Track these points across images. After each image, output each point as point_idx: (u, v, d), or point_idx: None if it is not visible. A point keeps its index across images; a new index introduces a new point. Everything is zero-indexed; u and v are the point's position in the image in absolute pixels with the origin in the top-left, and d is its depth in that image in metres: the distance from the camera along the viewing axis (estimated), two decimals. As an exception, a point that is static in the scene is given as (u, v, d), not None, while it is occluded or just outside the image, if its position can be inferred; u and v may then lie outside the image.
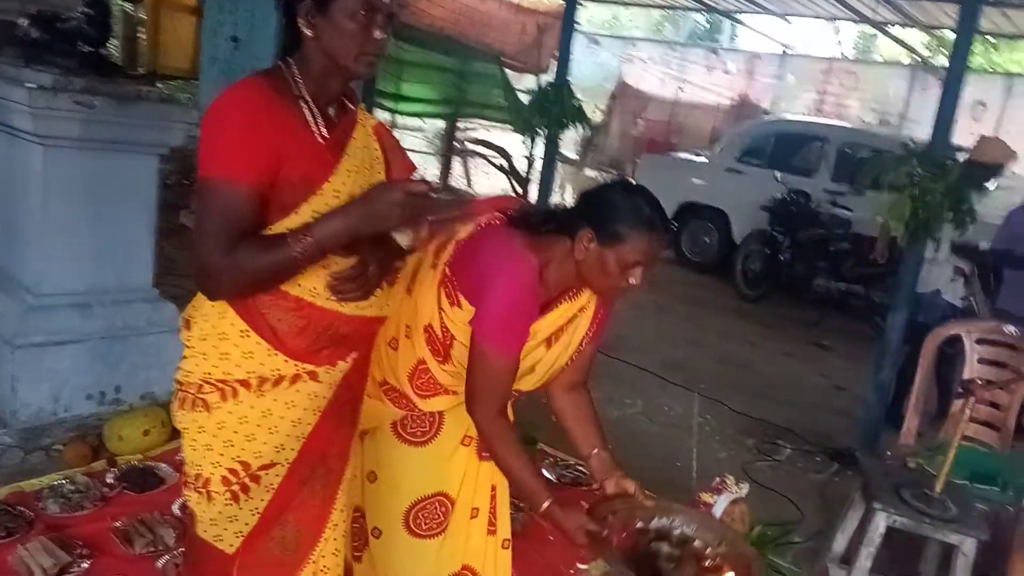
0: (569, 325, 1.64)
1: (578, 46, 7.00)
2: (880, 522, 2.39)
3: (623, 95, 10.56)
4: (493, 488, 1.75)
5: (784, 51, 10.07)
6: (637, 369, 4.58)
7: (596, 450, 1.68)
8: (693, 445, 2.68)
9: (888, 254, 4.16)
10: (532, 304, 1.53)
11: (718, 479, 2.37)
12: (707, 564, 1.60)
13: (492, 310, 1.50)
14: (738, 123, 8.64)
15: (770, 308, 6.82)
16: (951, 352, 3.24)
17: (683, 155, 8.69)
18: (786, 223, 6.77)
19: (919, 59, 9.04)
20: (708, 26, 16.65)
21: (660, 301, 6.30)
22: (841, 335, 6.21)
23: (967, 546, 2.36)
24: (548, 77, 6.35)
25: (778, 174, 6.98)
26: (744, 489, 2.34)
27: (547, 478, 2.95)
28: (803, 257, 6.71)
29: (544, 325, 1.60)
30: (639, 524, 1.62)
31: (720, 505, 2.28)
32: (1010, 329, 2.97)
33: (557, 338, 1.63)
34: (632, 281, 1.50)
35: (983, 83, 8.45)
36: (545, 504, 1.52)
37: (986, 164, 4.03)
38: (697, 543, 1.63)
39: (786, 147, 7.55)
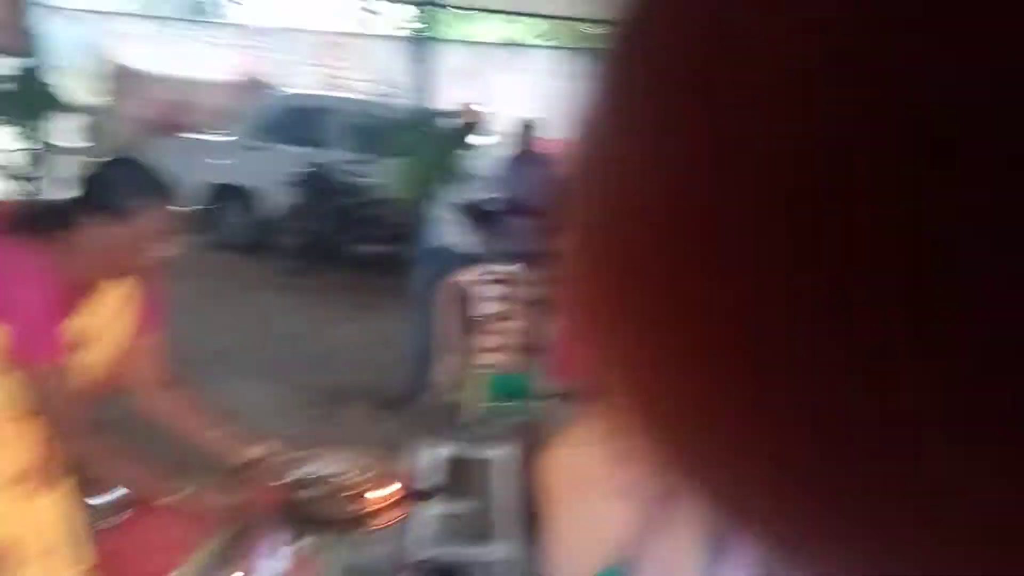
0: (112, 319, 1.55)
1: (58, 24, 6.27)
2: (431, 456, 2.67)
3: (121, 76, 9.76)
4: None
5: (284, 25, 10.19)
6: (179, 365, 4.37)
7: (217, 432, 1.66)
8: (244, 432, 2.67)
9: (403, 214, 4.53)
10: (56, 308, 1.42)
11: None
12: (355, 493, 1.68)
13: (16, 326, 1.36)
14: (252, 100, 8.55)
15: (314, 279, 6.98)
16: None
17: (199, 136, 8.37)
18: (315, 196, 6.95)
19: (410, 32, 9.81)
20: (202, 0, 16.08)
21: (198, 289, 6.06)
22: (385, 294, 6.59)
23: (503, 456, 2.75)
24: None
25: (299, 148, 7.12)
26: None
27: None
28: (336, 226, 6.97)
29: (82, 324, 1.49)
30: (285, 480, 1.64)
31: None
32: (507, 268, 3.47)
33: (102, 335, 1.53)
34: (161, 254, 1.47)
35: (467, 52, 9.48)
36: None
37: (472, 126, 4.62)
38: (344, 478, 1.70)
39: (301, 122, 7.70)
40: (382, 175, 5.15)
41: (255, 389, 4.15)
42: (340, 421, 3.97)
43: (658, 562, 2.30)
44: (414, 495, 1.76)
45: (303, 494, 1.69)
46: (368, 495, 1.71)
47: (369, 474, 1.75)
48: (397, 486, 1.73)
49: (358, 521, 1.69)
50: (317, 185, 6.97)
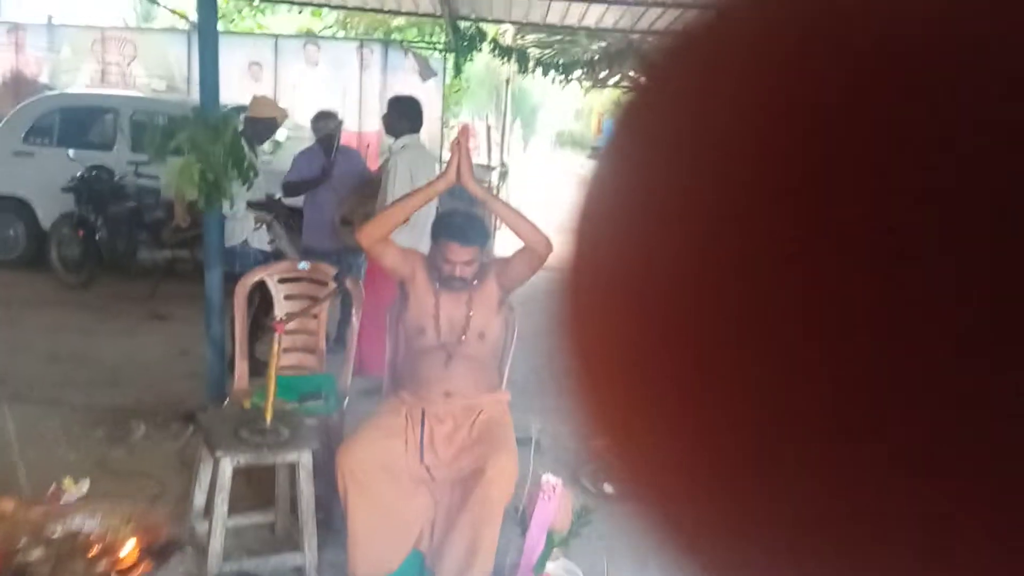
0: None
1: None
2: (226, 466, 2.56)
3: None
4: None
5: (50, 21, 9.36)
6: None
7: None
8: (16, 458, 2.46)
9: (191, 216, 4.30)
10: None
11: (53, 485, 2.24)
12: (97, 550, 1.55)
13: None
14: (16, 101, 7.80)
15: (99, 291, 6.49)
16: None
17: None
18: (94, 201, 6.45)
19: (193, 24, 9.32)
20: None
21: (-34, 312, 5.49)
22: (178, 301, 6.25)
23: (304, 459, 2.67)
24: None
25: (72, 151, 6.56)
26: (84, 486, 2.25)
27: None
28: (120, 232, 6.51)
29: None
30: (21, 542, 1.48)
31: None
32: (302, 265, 3.38)
33: None
34: None
35: (257, 45, 9.13)
36: None
37: (263, 120, 4.46)
38: (86, 535, 1.56)
39: (76, 122, 7.12)
40: (167, 176, 4.86)
41: (36, 415, 3.80)
42: (129, 442, 3.72)
43: (455, 551, 2.32)
44: (155, 552, 1.65)
45: (35, 556, 1.55)
46: (106, 555, 1.60)
47: (121, 527, 1.63)
48: (132, 544, 1.62)
49: None
50: (96, 190, 6.46)
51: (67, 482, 2.24)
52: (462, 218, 2.75)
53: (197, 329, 5.29)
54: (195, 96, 7.40)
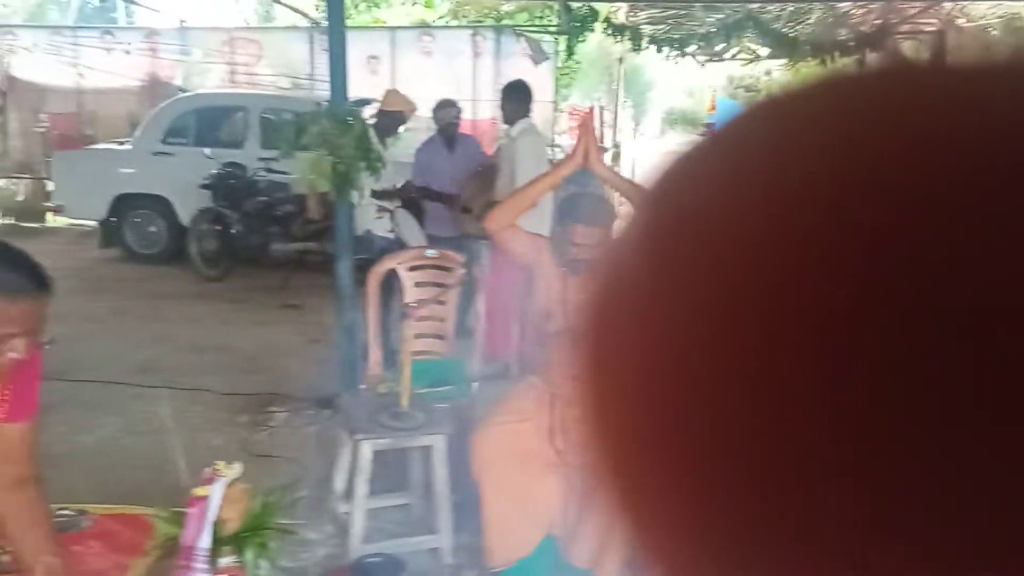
0: None
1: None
2: (364, 449, 2.63)
3: (13, 90, 9.32)
4: None
5: (182, 24, 9.85)
6: (104, 385, 4.23)
7: (42, 558, 1.53)
8: (176, 444, 2.59)
9: (323, 208, 4.44)
10: None
11: (208, 469, 2.34)
12: None
13: None
14: (154, 104, 8.25)
15: (235, 284, 6.82)
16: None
17: (103, 146, 8.06)
18: (229, 197, 6.76)
19: (314, 22, 9.63)
20: (99, 4, 15.46)
21: (116, 305, 5.88)
22: (308, 292, 6.49)
23: (439, 443, 2.72)
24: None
25: (208, 150, 6.90)
26: (236, 468, 2.35)
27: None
28: (254, 227, 6.80)
29: None
30: None
31: (216, 494, 2.26)
32: (430, 252, 3.42)
33: None
34: (13, 356, 1.36)
35: (374, 38, 9.33)
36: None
37: (393, 113, 4.57)
38: None
39: (210, 122, 7.49)
40: (297, 171, 5.03)
41: (184, 401, 4.03)
42: (268, 427, 3.88)
43: (589, 535, 2.30)
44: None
45: None
46: None
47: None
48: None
49: None
50: (230, 186, 6.78)
51: (221, 464, 2.34)
52: (588, 199, 2.72)
53: (327, 318, 5.48)
54: (319, 92, 7.66)
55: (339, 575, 2.51)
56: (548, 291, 2.76)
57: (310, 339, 5.40)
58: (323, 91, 4.54)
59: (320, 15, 10.53)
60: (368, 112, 4.36)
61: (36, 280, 1.35)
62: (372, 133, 4.05)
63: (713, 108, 11.28)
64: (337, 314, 4.20)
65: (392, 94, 4.76)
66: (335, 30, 3.93)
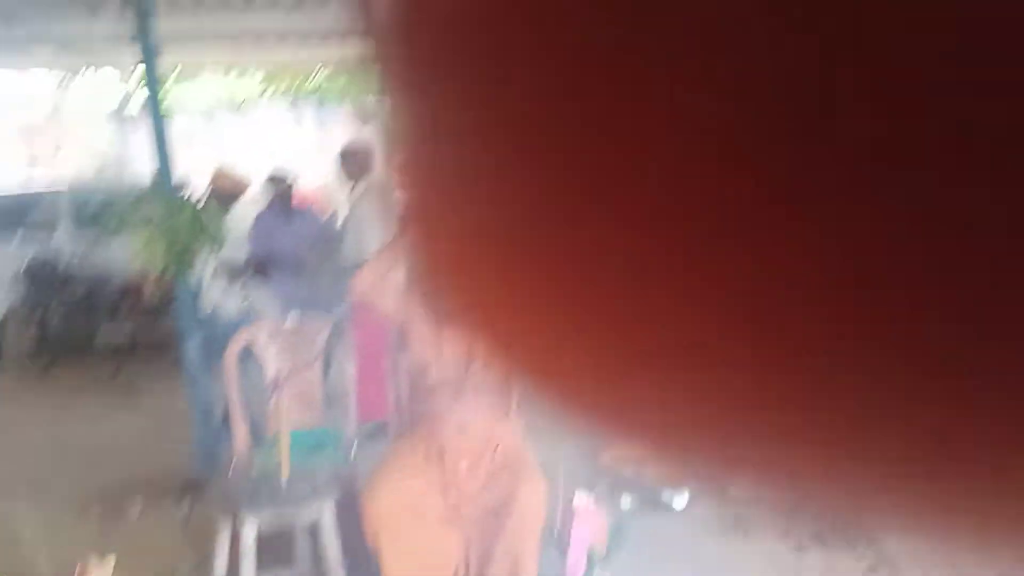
0: None
1: None
2: (249, 531, 2.46)
3: None
4: None
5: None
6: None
7: None
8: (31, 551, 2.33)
9: (160, 290, 4.22)
10: None
11: (78, 566, 2.12)
12: None
13: None
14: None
15: (63, 378, 6.26)
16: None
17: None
18: (47, 287, 6.28)
19: (122, 100, 9.21)
20: None
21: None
22: (145, 376, 6.08)
23: (326, 514, 2.59)
24: None
25: (18, 240, 6.40)
26: (110, 562, 2.14)
27: None
28: (76, 316, 6.33)
29: None
30: None
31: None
32: (286, 320, 3.30)
33: None
34: None
35: (185, 114, 9.02)
36: None
37: (225, 190, 4.41)
38: None
39: (14, 212, 6.92)
40: (121, 253, 4.75)
41: (22, 507, 3.61)
42: (127, 520, 3.56)
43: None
44: None
45: None
46: None
47: None
48: None
49: None
50: (44, 276, 6.27)
51: (93, 560, 2.11)
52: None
53: (170, 402, 5.16)
54: (131, 171, 7.29)
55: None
56: (423, 344, 2.72)
57: (156, 425, 5.02)
58: (135, 171, 4.34)
59: (137, 94, 10.14)
60: (197, 189, 4.20)
61: None
62: (206, 210, 3.90)
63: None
64: (190, 396, 3.94)
65: (221, 172, 4.61)
66: (154, 107, 3.77)
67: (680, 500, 3.55)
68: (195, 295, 3.91)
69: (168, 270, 3.67)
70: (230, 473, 3.00)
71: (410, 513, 2.55)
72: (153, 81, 3.80)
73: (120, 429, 5.00)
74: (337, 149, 4.78)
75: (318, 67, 9.37)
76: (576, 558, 2.55)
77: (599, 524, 2.61)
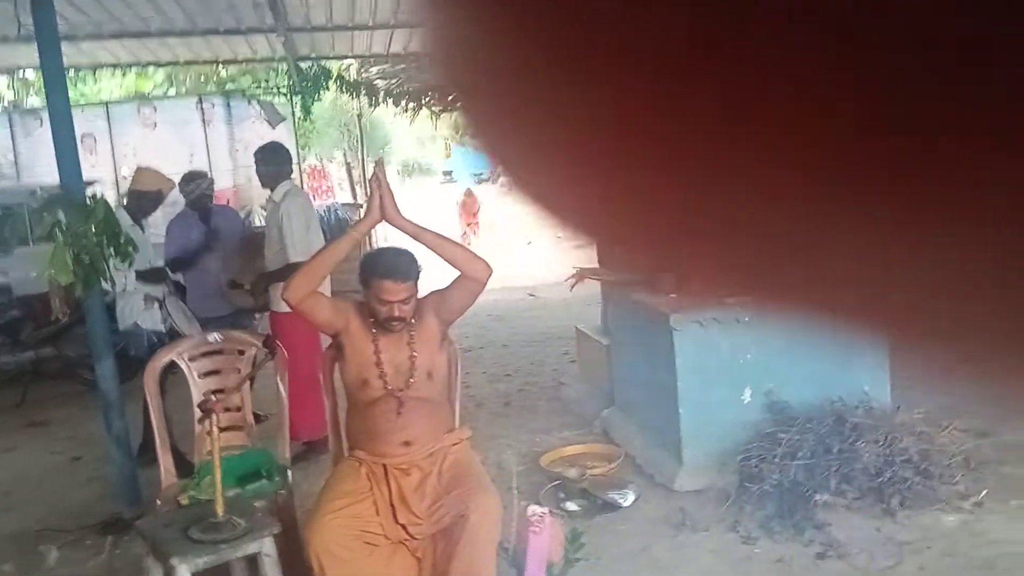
0: None
1: None
2: (184, 572, 2.27)
3: None
4: None
5: None
6: None
7: None
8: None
9: (68, 306, 3.93)
10: None
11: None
12: None
13: None
14: None
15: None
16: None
17: None
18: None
19: (10, 104, 8.63)
20: None
21: None
22: (53, 403, 5.69)
23: (267, 546, 2.42)
24: None
25: None
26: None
27: None
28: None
29: None
30: None
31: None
32: (213, 337, 3.09)
33: None
34: None
35: (86, 115, 8.51)
36: None
37: (148, 193, 4.15)
38: None
39: None
40: (23, 268, 4.40)
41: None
42: (44, 570, 3.29)
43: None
44: None
45: None
46: None
47: None
48: None
49: None
50: (-65, 298, 5.81)
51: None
52: (391, 254, 2.58)
53: (82, 430, 4.83)
54: (28, 179, 6.83)
55: None
56: (361, 356, 2.57)
57: (68, 457, 4.69)
58: (33, 178, 4.03)
59: (15, 96, 9.49)
60: (106, 193, 3.92)
61: None
62: (119, 216, 3.64)
63: (449, 155, 11.56)
64: (105, 423, 3.68)
65: (145, 172, 4.35)
66: (58, 109, 3.49)
67: (627, 499, 3.50)
68: (108, 311, 3.64)
69: (77, 284, 3.41)
70: (156, 508, 2.79)
71: (357, 538, 2.41)
72: (55, 78, 3.52)
73: (29, 463, 4.65)
74: (252, 150, 4.57)
75: (222, 64, 9.03)
76: (534, 571, 2.46)
77: (554, 536, 2.52)
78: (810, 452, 3.32)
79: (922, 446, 3.35)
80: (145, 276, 4.02)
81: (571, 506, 3.46)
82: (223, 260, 4.33)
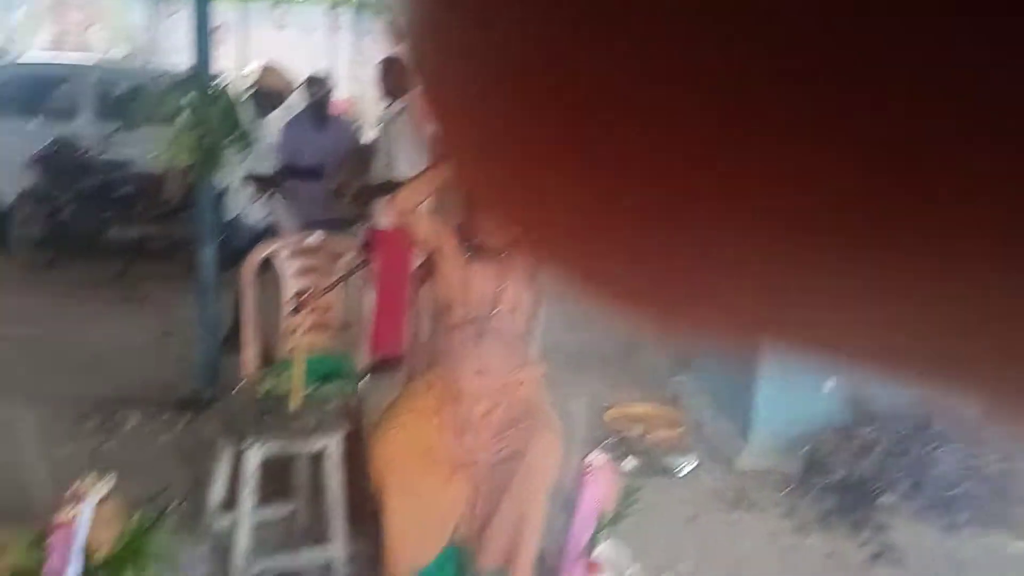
0: None
1: None
2: (252, 457, 2.38)
3: None
4: None
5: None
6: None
7: None
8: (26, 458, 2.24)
9: (181, 189, 4.07)
10: None
11: (75, 484, 2.03)
12: None
13: None
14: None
15: (65, 273, 6.15)
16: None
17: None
18: (59, 176, 6.10)
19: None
20: None
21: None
22: (152, 282, 5.97)
23: (333, 445, 2.50)
24: None
25: (34, 122, 6.20)
26: (109, 482, 2.05)
27: None
28: (88, 209, 6.18)
29: None
30: None
31: (85, 515, 1.96)
32: (311, 237, 3.17)
33: None
34: None
35: (222, 7, 8.73)
36: None
37: (271, 91, 4.23)
38: None
39: (36, 91, 6.71)
40: (144, 146, 4.57)
41: (17, 406, 3.54)
42: (120, 434, 3.48)
43: (499, 535, 2.17)
44: None
45: None
46: None
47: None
48: None
49: None
50: (60, 164, 6.11)
51: (89, 479, 2.03)
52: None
53: (177, 311, 5.06)
54: (162, 60, 7.05)
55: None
56: (450, 279, 2.60)
57: (159, 334, 4.94)
58: (166, 60, 4.14)
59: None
60: (232, 85, 4.01)
61: None
62: (242, 109, 3.73)
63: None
64: (198, 306, 3.84)
65: (271, 71, 4.41)
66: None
67: (685, 467, 3.48)
68: (218, 198, 3.77)
69: (193, 168, 3.52)
70: (235, 393, 2.92)
71: (419, 455, 2.46)
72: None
73: (122, 335, 4.90)
74: (375, 61, 4.59)
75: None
76: (584, 519, 2.47)
77: (609, 487, 2.52)
78: (885, 451, 3.22)
79: (1004, 465, 3.21)
80: (255, 173, 4.12)
81: (629, 463, 3.46)
82: (332, 167, 4.41)
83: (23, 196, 6.22)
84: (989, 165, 0.11)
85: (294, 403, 2.46)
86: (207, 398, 3.61)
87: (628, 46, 0.12)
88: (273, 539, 2.68)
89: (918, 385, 0.14)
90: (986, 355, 0.13)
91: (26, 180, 6.18)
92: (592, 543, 2.49)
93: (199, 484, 2.82)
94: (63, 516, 1.93)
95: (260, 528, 2.67)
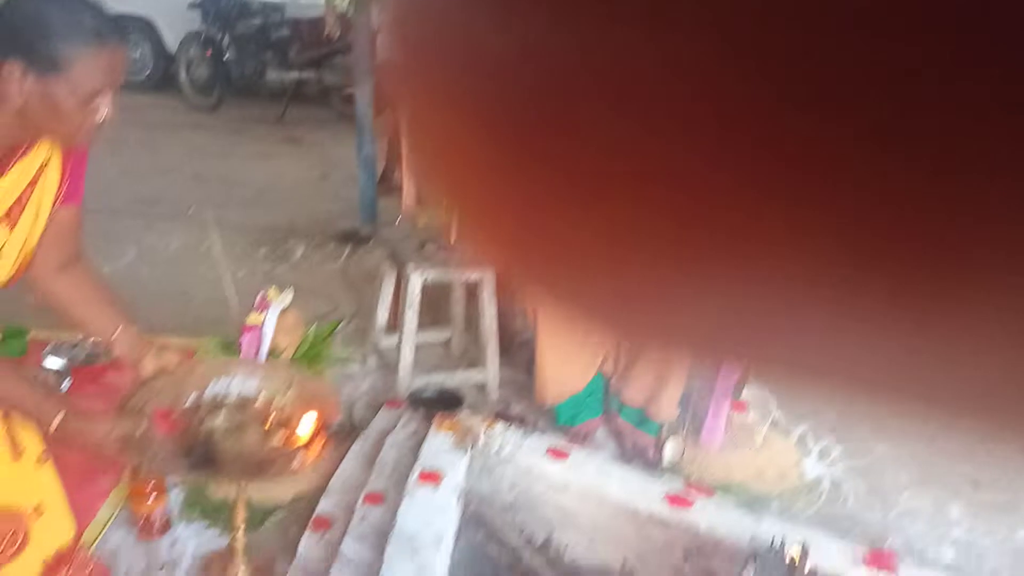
0: (31, 190, 1.28)
1: None
2: (415, 282, 2.51)
3: None
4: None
5: None
6: (110, 215, 4.03)
7: (118, 329, 1.42)
8: (221, 275, 2.46)
9: (340, 31, 4.14)
10: None
11: (260, 294, 2.22)
12: (272, 420, 1.48)
13: None
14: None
15: (230, 113, 6.48)
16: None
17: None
18: (219, 19, 6.32)
19: None
20: None
21: (105, 135, 5.57)
22: (308, 125, 6.21)
23: (488, 277, 2.61)
24: None
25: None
26: (289, 295, 2.23)
27: (55, 372, 2.51)
28: (248, 53, 6.41)
29: None
30: (190, 400, 1.43)
31: (271, 321, 2.15)
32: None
33: (20, 211, 1.27)
34: (102, 112, 1.20)
35: None
36: (56, 421, 1.21)
37: None
38: (260, 402, 1.50)
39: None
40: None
41: (195, 233, 3.85)
42: (288, 261, 3.74)
43: (643, 372, 2.21)
44: (334, 431, 1.48)
45: (214, 422, 1.43)
46: (286, 428, 1.45)
47: (289, 394, 1.50)
48: (314, 416, 1.46)
49: (273, 463, 1.40)
50: (221, 7, 6.31)
51: (273, 290, 2.22)
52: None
53: (332, 153, 5.26)
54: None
55: (392, 407, 2.45)
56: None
57: (318, 174, 5.18)
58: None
59: None
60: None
61: (114, 24, 1.17)
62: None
63: None
64: (357, 145, 3.98)
65: None
66: None
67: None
68: (373, 41, 3.82)
69: (352, 10, 3.57)
70: (396, 225, 3.06)
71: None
72: None
73: (283, 173, 5.17)
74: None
75: None
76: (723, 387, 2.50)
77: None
78: None
79: None
80: None
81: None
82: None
83: (188, 39, 6.50)
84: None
85: (452, 239, 2.55)
86: (366, 233, 3.81)
87: (599, 47, 0.11)
88: (432, 360, 2.86)
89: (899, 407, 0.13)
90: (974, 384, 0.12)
91: (190, 23, 6.44)
92: (740, 383, 2.52)
93: (364, 307, 3.02)
94: (252, 320, 2.13)
95: (420, 349, 2.86)
